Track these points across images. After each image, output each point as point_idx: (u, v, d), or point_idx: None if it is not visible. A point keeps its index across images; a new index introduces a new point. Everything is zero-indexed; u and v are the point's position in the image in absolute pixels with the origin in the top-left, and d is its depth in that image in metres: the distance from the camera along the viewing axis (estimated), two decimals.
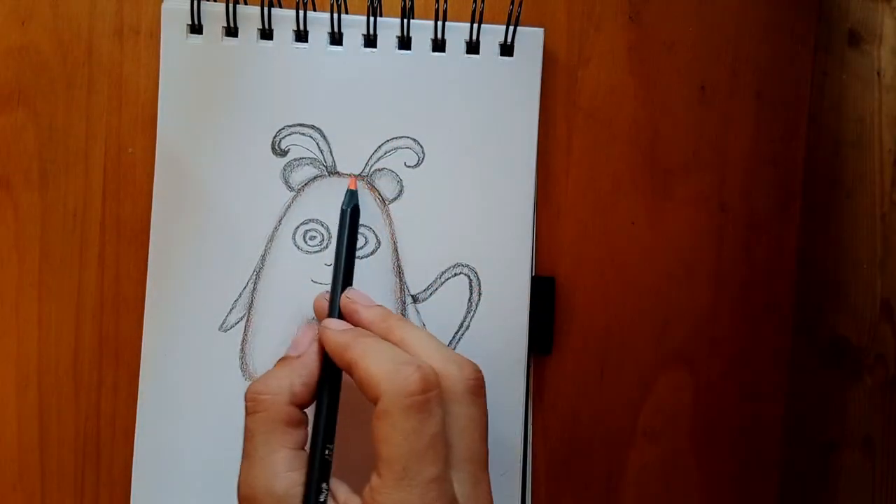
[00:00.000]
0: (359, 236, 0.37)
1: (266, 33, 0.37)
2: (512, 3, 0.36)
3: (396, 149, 0.37)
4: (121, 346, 0.37)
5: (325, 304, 0.34)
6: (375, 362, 0.29)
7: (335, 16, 0.37)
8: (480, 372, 0.31)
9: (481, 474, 0.29)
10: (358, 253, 0.37)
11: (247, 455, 0.30)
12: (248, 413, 0.30)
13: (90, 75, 0.38)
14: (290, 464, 0.29)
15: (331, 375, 0.32)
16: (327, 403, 0.32)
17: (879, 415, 0.41)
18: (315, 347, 0.32)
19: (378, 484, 0.27)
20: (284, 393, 0.30)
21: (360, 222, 0.37)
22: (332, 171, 0.37)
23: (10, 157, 0.37)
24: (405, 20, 0.37)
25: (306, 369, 0.32)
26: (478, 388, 0.30)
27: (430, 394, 0.28)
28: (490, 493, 0.30)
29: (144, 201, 0.37)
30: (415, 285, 0.37)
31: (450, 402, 0.29)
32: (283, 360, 0.33)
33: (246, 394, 0.31)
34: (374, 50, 0.37)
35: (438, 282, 0.37)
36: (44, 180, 0.38)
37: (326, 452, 0.30)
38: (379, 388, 0.28)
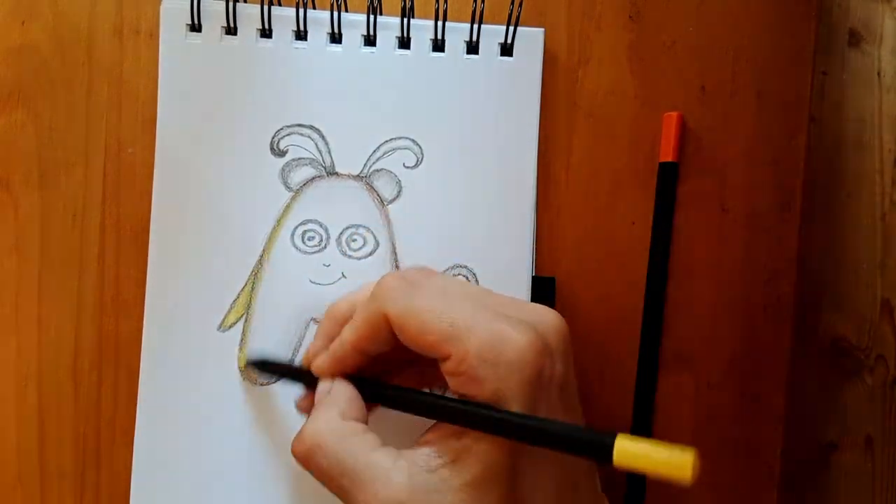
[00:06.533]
0: (357, 237, 0.37)
1: (266, 32, 0.37)
2: (512, 3, 0.36)
3: (395, 149, 0.37)
4: (121, 346, 0.37)
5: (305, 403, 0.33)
6: (362, 313, 0.30)
7: (335, 15, 0.37)
8: None
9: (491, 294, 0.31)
10: (356, 254, 0.37)
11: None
12: (307, 463, 0.28)
13: (90, 75, 0.38)
14: (394, 456, 0.28)
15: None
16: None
17: (879, 415, 0.41)
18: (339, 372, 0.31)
19: (452, 360, 0.27)
20: (337, 419, 0.29)
21: (359, 223, 0.37)
22: (331, 172, 0.37)
23: (10, 157, 0.37)
24: (405, 20, 0.37)
25: (344, 394, 0.30)
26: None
27: (419, 269, 0.31)
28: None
29: (144, 201, 0.37)
30: None
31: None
32: (316, 405, 0.30)
33: (295, 448, 0.29)
34: (373, 49, 0.37)
35: None
36: (44, 180, 0.38)
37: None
38: (377, 305, 0.29)
